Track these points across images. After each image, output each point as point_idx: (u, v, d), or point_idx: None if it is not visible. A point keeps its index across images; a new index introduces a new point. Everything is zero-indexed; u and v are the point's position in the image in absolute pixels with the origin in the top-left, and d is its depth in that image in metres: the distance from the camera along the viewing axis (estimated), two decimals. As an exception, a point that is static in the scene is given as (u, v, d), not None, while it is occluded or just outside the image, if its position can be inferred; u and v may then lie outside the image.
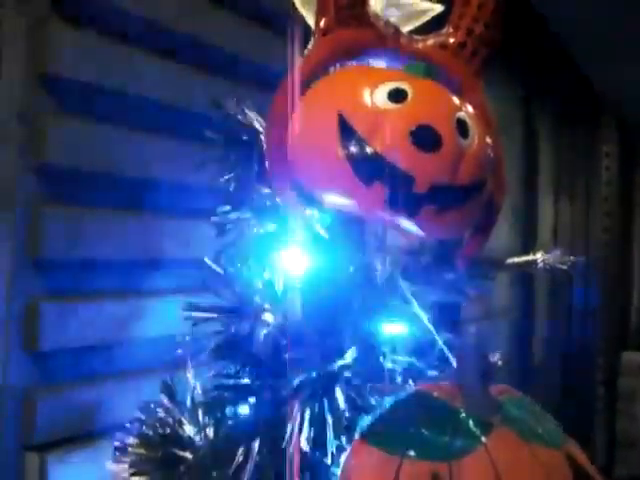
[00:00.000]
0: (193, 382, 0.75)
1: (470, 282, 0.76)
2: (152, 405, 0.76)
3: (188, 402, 0.74)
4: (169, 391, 0.77)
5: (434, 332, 0.67)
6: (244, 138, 0.70)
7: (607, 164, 4.20)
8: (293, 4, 0.84)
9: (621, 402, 4.02)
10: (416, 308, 0.69)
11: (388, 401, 0.58)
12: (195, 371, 0.78)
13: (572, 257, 0.76)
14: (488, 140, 0.64)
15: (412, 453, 0.52)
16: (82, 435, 1.06)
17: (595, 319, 4.00)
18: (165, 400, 0.74)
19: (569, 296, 3.69)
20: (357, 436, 0.55)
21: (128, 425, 0.80)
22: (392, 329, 0.69)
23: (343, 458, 0.56)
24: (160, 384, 0.81)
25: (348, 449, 0.55)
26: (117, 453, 0.72)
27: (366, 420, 0.56)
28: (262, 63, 1.31)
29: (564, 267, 0.75)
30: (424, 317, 0.68)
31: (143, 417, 0.72)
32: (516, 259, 0.78)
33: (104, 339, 1.12)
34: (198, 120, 1.23)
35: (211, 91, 1.25)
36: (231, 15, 1.29)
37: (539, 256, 0.75)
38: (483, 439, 0.56)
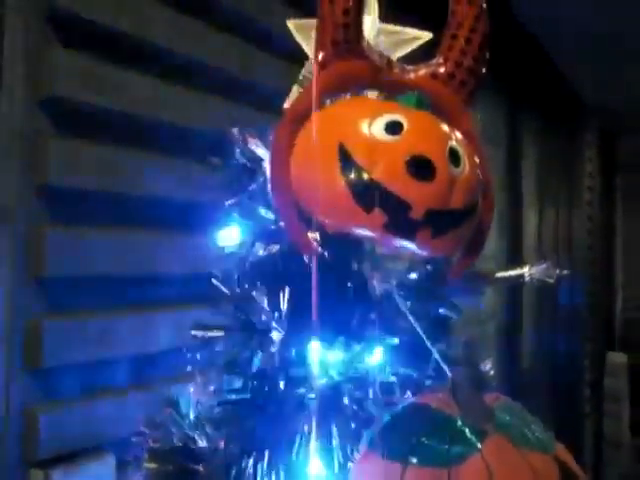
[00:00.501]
0: (198, 397, 0.78)
1: (462, 296, 0.81)
2: (159, 419, 0.79)
3: (192, 416, 0.77)
4: (176, 405, 0.80)
5: (429, 344, 0.71)
6: (247, 165, 0.74)
7: (589, 169, 4.29)
8: (289, 30, 0.88)
9: (607, 402, 4.10)
10: (412, 321, 0.73)
11: (390, 412, 0.62)
12: (198, 386, 0.81)
13: (558, 270, 0.81)
14: (477, 165, 0.68)
15: (414, 460, 0.57)
16: (85, 450, 1.07)
17: (580, 321, 4.08)
18: (173, 414, 0.77)
19: (555, 298, 3.76)
20: (363, 445, 0.59)
21: (135, 439, 0.82)
22: (389, 342, 0.73)
23: (351, 466, 0.60)
24: (165, 399, 0.84)
25: (355, 458, 0.59)
26: (129, 467, 0.75)
27: (371, 430, 0.60)
28: (260, 84, 1.35)
29: (551, 280, 0.79)
30: (420, 330, 0.73)
31: (151, 431, 0.75)
32: (504, 273, 0.83)
33: (106, 355, 1.14)
34: (195, 138, 1.26)
35: (208, 111, 1.29)
36: (227, 36, 1.33)
37: (526, 270, 0.80)
38: (478, 446, 0.60)
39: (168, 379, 1.14)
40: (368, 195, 0.61)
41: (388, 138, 0.62)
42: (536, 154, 3.46)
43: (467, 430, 0.62)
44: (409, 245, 0.65)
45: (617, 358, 4.28)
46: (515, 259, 3.07)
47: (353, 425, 0.63)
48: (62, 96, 1.07)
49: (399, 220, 0.61)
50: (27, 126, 1.03)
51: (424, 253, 0.67)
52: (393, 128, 0.62)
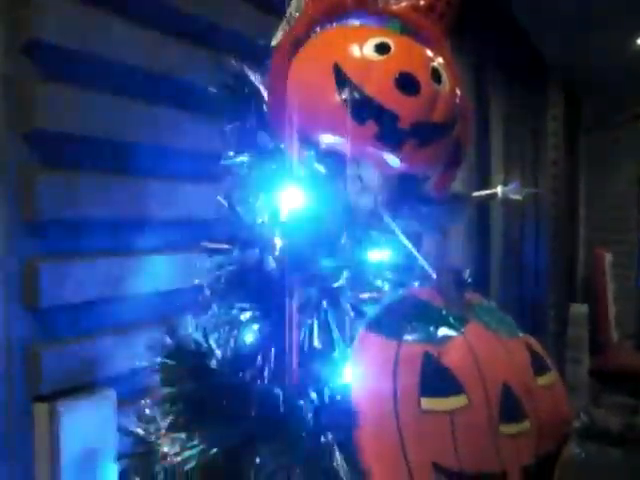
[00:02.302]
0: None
1: (443, 214, 0.89)
2: (176, 330, 0.85)
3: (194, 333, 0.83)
4: (175, 331, 0.86)
5: (416, 253, 0.80)
6: (245, 90, 0.80)
7: (554, 128, 4.43)
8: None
9: (569, 350, 4.34)
10: (400, 235, 0.81)
11: (385, 301, 0.71)
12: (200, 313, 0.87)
13: (527, 189, 0.90)
14: (456, 87, 0.76)
15: (408, 338, 0.65)
16: (86, 385, 1.13)
17: (545, 274, 4.27)
18: (188, 326, 0.84)
19: (521, 253, 3.93)
20: (363, 328, 0.68)
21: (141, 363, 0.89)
22: (380, 253, 0.81)
23: (353, 346, 0.68)
24: (165, 329, 0.89)
25: (356, 338, 0.68)
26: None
27: (370, 315, 0.69)
28: (236, 32, 1.38)
29: (520, 197, 0.88)
30: (407, 242, 0.81)
31: (169, 339, 0.82)
32: (480, 192, 0.91)
33: (100, 295, 1.18)
34: (179, 85, 1.30)
35: (191, 58, 1.32)
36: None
37: (499, 189, 0.89)
38: (461, 329, 0.69)
39: (164, 318, 1.19)
40: (361, 108, 0.68)
41: (378, 57, 0.69)
42: (502, 113, 3.56)
43: (451, 317, 0.71)
44: (396, 157, 0.73)
45: (579, 309, 4.52)
46: (482, 216, 3.20)
47: (350, 315, 0.72)
48: (45, 42, 1.07)
49: (389, 130, 0.68)
50: (10, 73, 1.03)
51: (409, 165, 0.75)
52: (382, 49, 0.69)
